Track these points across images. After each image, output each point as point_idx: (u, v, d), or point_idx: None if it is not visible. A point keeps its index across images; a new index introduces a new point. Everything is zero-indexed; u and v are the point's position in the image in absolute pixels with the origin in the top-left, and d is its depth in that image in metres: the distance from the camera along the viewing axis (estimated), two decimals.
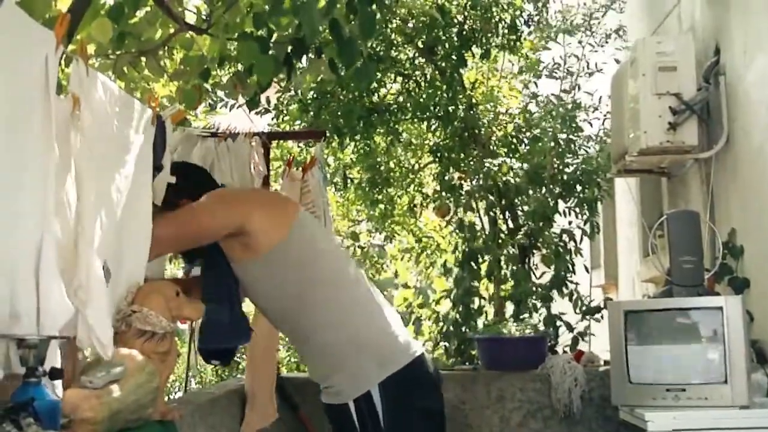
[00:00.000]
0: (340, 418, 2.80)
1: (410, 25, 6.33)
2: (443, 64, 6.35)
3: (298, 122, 6.63)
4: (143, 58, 4.31)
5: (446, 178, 6.40)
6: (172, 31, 4.18)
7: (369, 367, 2.73)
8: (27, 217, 2.15)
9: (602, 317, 5.25)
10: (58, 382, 2.28)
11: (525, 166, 5.99)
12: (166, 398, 2.95)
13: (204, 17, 4.08)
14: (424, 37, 6.26)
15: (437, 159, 6.60)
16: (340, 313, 2.80)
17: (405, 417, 2.73)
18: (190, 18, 4.17)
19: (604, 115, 6.31)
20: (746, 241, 4.43)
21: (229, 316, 2.88)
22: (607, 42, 6.56)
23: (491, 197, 6.03)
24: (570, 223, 6.21)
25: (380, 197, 7.54)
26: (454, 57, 6.25)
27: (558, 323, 5.45)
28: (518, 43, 6.44)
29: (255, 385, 4.12)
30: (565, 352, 5.28)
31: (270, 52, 3.61)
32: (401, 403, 2.72)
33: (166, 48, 4.42)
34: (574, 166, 6.05)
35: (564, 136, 6.03)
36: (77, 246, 2.33)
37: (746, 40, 4.46)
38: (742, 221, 4.50)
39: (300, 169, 4.46)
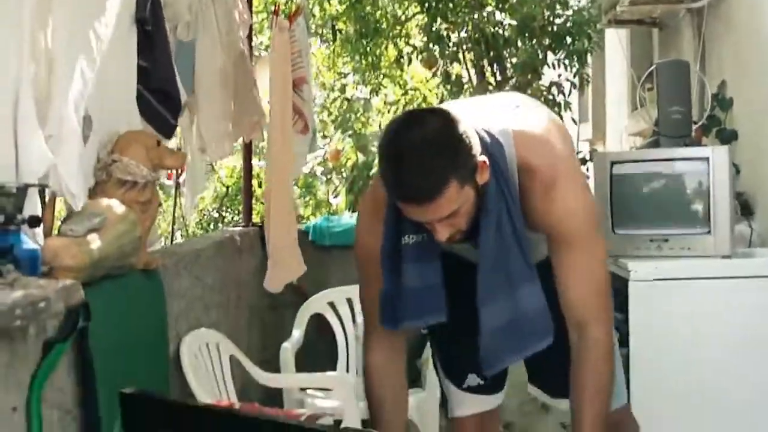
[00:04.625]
0: None
1: None
2: None
3: None
4: None
5: (434, 29, 6.28)
6: None
7: None
8: (3, 65, 2.09)
9: (588, 170, 5.25)
10: (40, 232, 2.27)
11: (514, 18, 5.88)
12: (149, 248, 2.93)
13: None
14: None
15: (424, 9, 6.45)
16: None
17: None
18: None
19: None
20: (736, 93, 4.39)
21: None
22: None
23: (479, 49, 5.93)
24: (559, 75, 6.15)
25: (367, 49, 7.42)
26: None
27: None
28: None
29: (275, 239, 4.10)
30: None
31: None
32: None
33: None
34: (565, 17, 5.95)
35: None
36: (50, 94, 2.28)
37: None
38: (733, 73, 4.45)
39: (286, 18, 4.36)
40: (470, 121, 2.10)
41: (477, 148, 2.05)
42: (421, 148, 1.98)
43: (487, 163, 2.07)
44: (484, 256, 2.15)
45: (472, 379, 2.58)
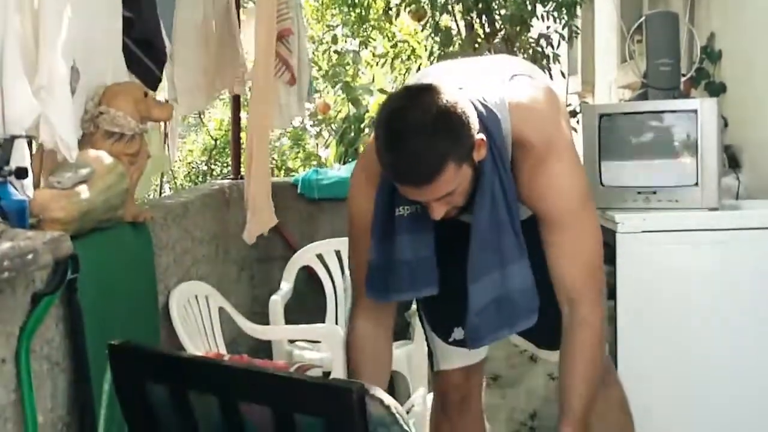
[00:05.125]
0: None
1: None
2: None
3: None
4: None
5: None
6: None
7: None
8: None
9: (578, 122, 5.25)
10: (28, 184, 2.27)
11: None
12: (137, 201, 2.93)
13: None
14: None
15: None
16: None
17: None
18: None
19: None
20: (725, 45, 4.38)
21: None
22: None
23: (468, 0, 5.89)
24: (548, 27, 6.11)
25: (355, 0, 7.37)
26: None
27: None
28: None
29: (255, 190, 4.08)
30: None
31: None
32: None
33: None
34: None
35: None
36: (38, 44, 2.26)
37: None
38: (722, 25, 4.43)
39: None
40: (466, 91, 2.10)
41: (475, 126, 2.04)
42: (418, 131, 1.95)
43: (485, 140, 2.06)
44: (477, 232, 2.13)
45: (458, 333, 2.58)
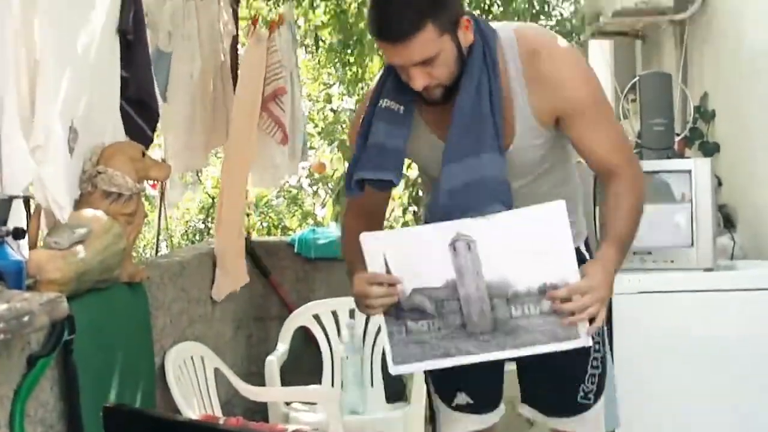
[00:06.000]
0: None
1: None
2: None
3: None
4: None
5: None
6: None
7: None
8: None
9: None
10: (24, 244, 2.27)
11: None
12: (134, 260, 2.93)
13: None
14: None
15: None
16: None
17: None
18: None
19: None
20: (718, 105, 4.41)
21: None
22: None
23: None
24: None
25: (352, 60, 7.44)
26: None
27: None
28: None
29: (223, 247, 4.10)
30: None
31: None
32: None
33: None
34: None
35: None
36: (35, 104, 2.28)
37: None
38: (715, 85, 4.47)
39: (267, 28, 4.33)
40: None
41: (462, 6, 2.16)
42: None
43: (471, 22, 2.14)
44: (459, 114, 2.17)
45: (461, 398, 2.57)
